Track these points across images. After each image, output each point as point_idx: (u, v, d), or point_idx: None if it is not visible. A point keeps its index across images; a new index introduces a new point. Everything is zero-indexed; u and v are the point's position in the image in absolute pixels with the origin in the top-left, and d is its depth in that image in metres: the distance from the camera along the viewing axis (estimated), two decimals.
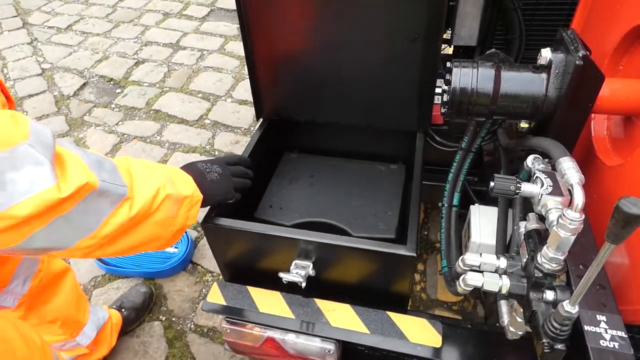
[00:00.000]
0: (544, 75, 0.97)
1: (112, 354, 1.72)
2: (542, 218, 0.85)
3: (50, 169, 0.75)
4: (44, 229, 0.76)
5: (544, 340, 0.74)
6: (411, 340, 1.09)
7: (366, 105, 1.42)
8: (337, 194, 1.46)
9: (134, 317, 1.81)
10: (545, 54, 0.97)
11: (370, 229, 1.33)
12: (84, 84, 3.28)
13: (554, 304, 0.79)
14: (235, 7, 1.29)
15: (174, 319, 1.87)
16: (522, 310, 0.86)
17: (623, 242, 0.54)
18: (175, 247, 2.01)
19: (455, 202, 1.36)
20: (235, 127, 2.83)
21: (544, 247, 0.80)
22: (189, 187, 1.00)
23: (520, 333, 0.92)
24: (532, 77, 0.98)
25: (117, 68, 3.43)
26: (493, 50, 1.21)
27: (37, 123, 0.79)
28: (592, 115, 1.14)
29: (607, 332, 0.77)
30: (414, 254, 1.01)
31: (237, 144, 2.70)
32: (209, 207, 1.14)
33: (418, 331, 1.10)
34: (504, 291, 0.87)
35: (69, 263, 1.96)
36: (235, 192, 1.16)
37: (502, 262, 0.91)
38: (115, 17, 4.14)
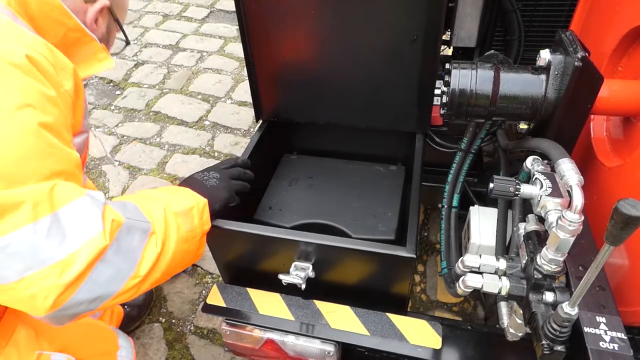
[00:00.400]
0: (543, 77, 0.97)
1: None
2: (541, 219, 0.85)
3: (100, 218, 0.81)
4: (89, 276, 0.80)
5: (544, 342, 0.74)
6: (411, 341, 1.09)
7: (365, 107, 1.42)
8: (336, 196, 1.46)
9: (136, 315, 1.81)
10: (544, 55, 0.97)
11: (370, 230, 1.33)
12: (84, 86, 3.28)
13: (554, 305, 0.79)
14: (234, 9, 1.29)
15: (173, 320, 1.87)
16: (521, 311, 0.86)
17: (622, 243, 0.54)
18: None
19: (454, 203, 1.36)
20: (235, 128, 2.83)
21: (544, 249, 0.79)
22: (189, 198, 1.03)
23: (520, 334, 0.92)
24: (531, 78, 0.98)
25: (117, 70, 3.43)
26: (492, 51, 1.22)
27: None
28: (591, 116, 1.14)
29: (606, 334, 0.77)
30: (414, 256, 1.01)
31: (236, 146, 2.70)
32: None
33: (418, 333, 1.10)
34: (503, 293, 0.87)
35: None
36: (236, 194, 1.17)
37: (502, 264, 0.91)
38: None
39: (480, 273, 0.90)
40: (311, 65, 1.37)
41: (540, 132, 1.03)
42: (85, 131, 1.06)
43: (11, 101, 0.77)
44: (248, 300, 1.20)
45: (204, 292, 1.96)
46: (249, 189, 1.22)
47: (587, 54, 0.90)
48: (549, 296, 0.80)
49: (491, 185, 0.87)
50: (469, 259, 0.92)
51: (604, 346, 0.75)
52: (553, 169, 0.87)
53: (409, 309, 1.23)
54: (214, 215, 1.08)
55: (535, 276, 0.81)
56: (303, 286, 1.11)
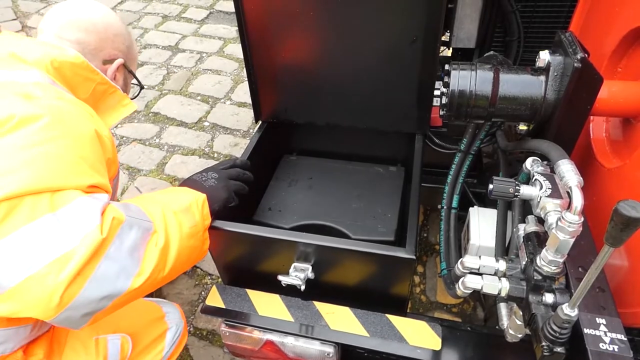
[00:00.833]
0: (542, 78, 0.97)
1: None
2: (541, 220, 0.85)
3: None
4: (94, 273, 0.82)
5: (544, 343, 0.74)
6: (410, 343, 1.09)
7: (365, 108, 1.42)
8: (336, 197, 1.46)
9: None
10: (544, 56, 0.97)
11: (370, 231, 1.33)
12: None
13: (554, 306, 0.79)
14: (234, 10, 1.29)
15: None
16: (521, 312, 0.86)
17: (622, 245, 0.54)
18: None
19: (454, 204, 1.36)
20: (235, 129, 2.83)
21: (543, 250, 0.79)
22: (187, 195, 1.05)
23: (520, 336, 0.92)
24: (530, 79, 0.98)
25: None
26: (491, 52, 1.21)
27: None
28: (591, 117, 1.14)
29: (606, 335, 0.77)
30: (413, 257, 1.01)
31: (236, 146, 2.70)
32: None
33: (417, 334, 1.10)
34: (503, 294, 0.86)
35: None
36: (235, 194, 1.17)
37: (501, 265, 0.90)
38: None
39: (480, 274, 0.90)
40: (310, 66, 1.37)
41: (539, 133, 1.03)
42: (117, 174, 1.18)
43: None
44: (247, 301, 1.20)
45: (203, 293, 1.95)
46: (247, 190, 1.22)
47: (586, 55, 0.90)
48: (548, 297, 0.80)
49: (491, 186, 0.87)
50: (469, 260, 0.92)
51: (604, 347, 0.75)
52: (553, 170, 0.87)
53: (408, 310, 1.23)
54: (214, 215, 1.09)
55: (535, 277, 0.81)
56: (302, 287, 1.11)
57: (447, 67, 1.04)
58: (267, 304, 1.19)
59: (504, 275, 0.90)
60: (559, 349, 0.73)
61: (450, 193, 1.37)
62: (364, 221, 1.36)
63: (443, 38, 1.42)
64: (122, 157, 2.66)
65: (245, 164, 1.28)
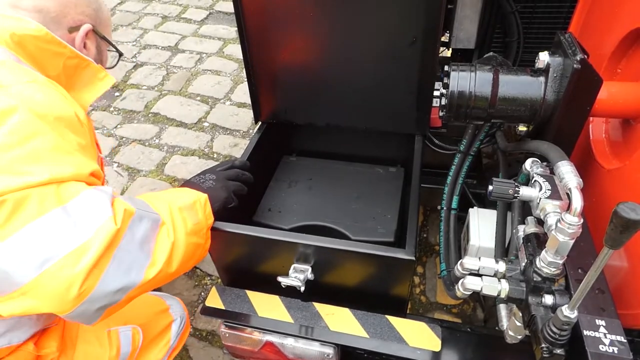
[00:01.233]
0: (542, 79, 0.97)
1: None
2: (540, 222, 0.85)
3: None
4: (110, 265, 0.81)
5: (543, 345, 0.74)
6: (410, 344, 1.09)
7: (364, 108, 1.42)
8: (335, 197, 1.46)
9: None
10: (543, 57, 0.97)
11: (369, 232, 1.33)
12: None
13: (553, 308, 0.79)
14: (233, 10, 1.29)
15: None
16: (521, 314, 0.86)
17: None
18: None
19: (454, 205, 1.36)
20: (234, 129, 2.83)
21: (543, 251, 0.79)
22: (190, 194, 1.05)
23: (520, 337, 0.92)
24: (530, 80, 0.98)
25: (116, 71, 3.41)
26: (491, 53, 1.21)
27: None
28: (590, 118, 1.14)
29: (606, 337, 0.77)
30: (413, 258, 1.01)
31: (235, 147, 2.70)
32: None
33: (417, 335, 1.10)
34: (502, 295, 0.86)
35: None
36: (234, 195, 1.17)
37: (501, 266, 0.90)
38: (113, 20, 4.14)
39: (480, 275, 0.90)
40: (310, 67, 1.37)
41: (539, 134, 1.03)
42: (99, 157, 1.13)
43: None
44: (247, 302, 1.20)
45: (202, 294, 1.95)
46: (246, 191, 1.22)
47: (586, 56, 0.90)
48: (548, 299, 0.80)
49: (490, 187, 0.87)
50: (468, 262, 0.92)
51: (604, 349, 0.75)
52: (552, 172, 0.87)
53: (408, 311, 1.23)
54: (215, 215, 1.08)
55: (535, 279, 0.81)
56: (302, 288, 1.11)
57: (446, 68, 1.04)
58: (266, 305, 1.19)
59: (504, 277, 0.89)
60: (558, 351, 0.73)
61: (450, 194, 1.37)
62: (363, 222, 1.36)
63: (443, 39, 1.42)
64: (122, 157, 2.66)
65: (245, 164, 1.27)
